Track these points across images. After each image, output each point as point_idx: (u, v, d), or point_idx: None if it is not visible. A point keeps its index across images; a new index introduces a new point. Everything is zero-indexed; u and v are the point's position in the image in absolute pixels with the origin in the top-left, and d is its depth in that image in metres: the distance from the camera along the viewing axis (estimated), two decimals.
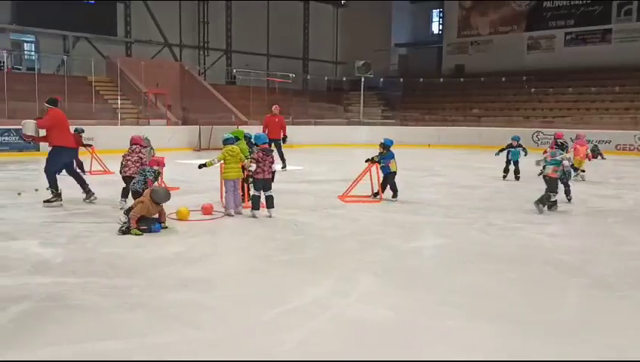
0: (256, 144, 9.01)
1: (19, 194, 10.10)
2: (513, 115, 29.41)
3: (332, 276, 5.77)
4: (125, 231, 7.39)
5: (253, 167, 8.64)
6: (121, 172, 9.26)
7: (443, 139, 26.42)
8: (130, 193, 8.78)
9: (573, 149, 14.06)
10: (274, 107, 16.20)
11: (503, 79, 30.69)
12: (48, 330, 4.29)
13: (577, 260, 6.58)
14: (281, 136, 15.77)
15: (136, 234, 7.25)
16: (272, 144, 15.30)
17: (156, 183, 8.56)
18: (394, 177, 10.55)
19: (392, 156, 10.50)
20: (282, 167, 15.15)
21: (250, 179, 9.08)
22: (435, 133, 26.97)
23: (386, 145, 10.55)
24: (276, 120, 15.85)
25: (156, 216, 7.61)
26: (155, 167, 8.39)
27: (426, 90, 33.20)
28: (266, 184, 8.77)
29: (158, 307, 4.83)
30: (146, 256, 6.41)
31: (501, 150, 13.80)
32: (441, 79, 33.48)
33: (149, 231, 7.39)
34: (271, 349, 4.04)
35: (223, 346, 4.09)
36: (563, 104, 29.10)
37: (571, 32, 32.20)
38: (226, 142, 8.96)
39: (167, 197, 7.69)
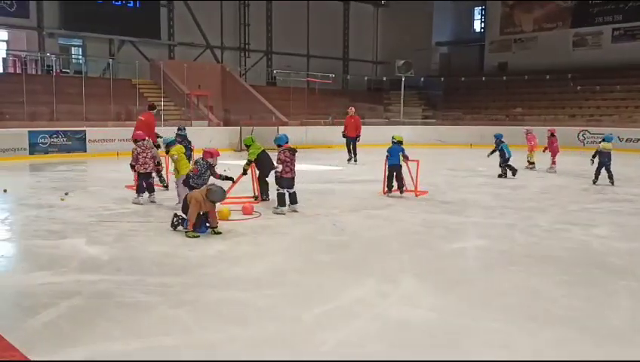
0: (279, 145, 9.18)
1: (66, 194, 10.40)
2: (558, 113, 28.67)
3: (373, 276, 5.76)
4: (177, 225, 7.54)
5: (280, 167, 8.93)
6: (139, 168, 9.70)
7: (485, 138, 25.86)
8: (144, 189, 9.73)
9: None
10: (350, 109, 18.54)
11: (548, 77, 29.89)
12: (98, 326, 4.41)
13: (628, 263, 6.38)
14: (355, 135, 17.89)
15: (193, 237, 7.30)
16: (350, 142, 17.81)
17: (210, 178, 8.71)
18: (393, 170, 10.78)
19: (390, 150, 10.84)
20: (353, 161, 17.49)
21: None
22: (477, 133, 26.48)
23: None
24: (352, 120, 18.12)
25: (208, 211, 7.62)
26: (209, 159, 8.54)
27: (468, 89, 32.66)
28: (291, 182, 8.99)
29: (204, 304, 4.92)
30: (190, 255, 6.53)
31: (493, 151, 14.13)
32: (484, 78, 32.87)
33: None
34: (311, 349, 4.06)
35: (265, 345, 4.13)
36: (610, 102, 28.19)
37: (619, 28, 31.13)
38: (171, 144, 9.56)
39: (224, 196, 7.69)
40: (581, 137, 25.23)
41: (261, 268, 6.11)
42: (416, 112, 31.85)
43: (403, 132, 25.73)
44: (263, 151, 10.15)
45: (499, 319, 4.62)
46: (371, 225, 8.41)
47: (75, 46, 28.03)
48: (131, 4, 27.85)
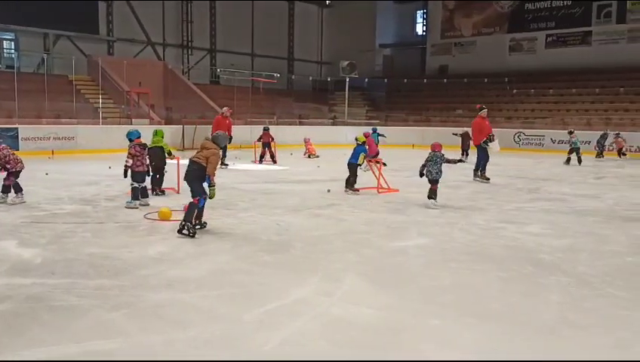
0: (130, 140, 9.46)
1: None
2: (496, 115, 29.58)
3: (316, 276, 5.77)
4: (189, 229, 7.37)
5: (130, 161, 9.25)
6: (17, 167, 9.43)
7: (427, 139, 26.42)
8: (10, 189, 9.36)
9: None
10: (226, 109, 16.99)
11: (486, 80, 30.89)
12: (30, 331, 4.23)
13: (558, 259, 6.65)
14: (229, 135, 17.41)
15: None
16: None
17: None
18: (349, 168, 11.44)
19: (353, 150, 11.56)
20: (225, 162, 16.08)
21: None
22: (419, 134, 27.08)
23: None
24: (227, 122, 16.48)
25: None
26: (442, 150, 10.06)
27: (410, 90, 33.32)
28: (143, 176, 9.42)
29: (143, 307, 4.80)
30: (129, 256, 6.36)
31: None
32: (425, 80, 33.62)
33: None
34: (254, 348, 4.03)
35: (207, 346, 4.07)
36: (544, 105, 29.37)
37: (552, 34, 32.52)
38: None
39: (227, 140, 8.68)
40: (517, 139, 26.20)
41: (203, 268, 6.02)
42: (361, 113, 32.23)
43: (347, 133, 26.05)
44: (157, 146, 10.44)
45: (440, 316, 4.72)
46: (315, 224, 8.43)
47: (6, 40, 26.85)
48: None
